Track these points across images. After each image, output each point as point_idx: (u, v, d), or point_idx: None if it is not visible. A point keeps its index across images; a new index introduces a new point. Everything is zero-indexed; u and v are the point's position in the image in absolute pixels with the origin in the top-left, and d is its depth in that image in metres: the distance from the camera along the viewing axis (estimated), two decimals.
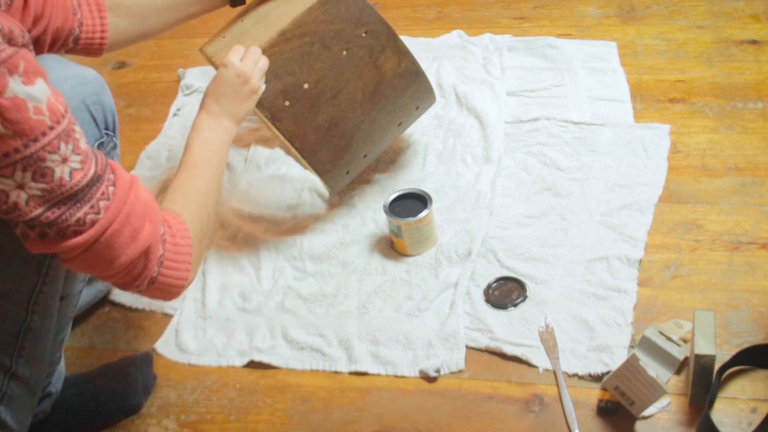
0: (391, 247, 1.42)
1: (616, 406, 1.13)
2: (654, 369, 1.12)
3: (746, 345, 1.15)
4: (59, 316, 1.09)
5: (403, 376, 1.23)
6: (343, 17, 1.29)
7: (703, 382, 1.08)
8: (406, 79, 1.38)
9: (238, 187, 1.61)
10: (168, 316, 1.39)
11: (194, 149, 1.09)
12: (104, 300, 1.43)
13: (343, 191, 1.55)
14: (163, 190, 1.62)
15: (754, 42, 1.77)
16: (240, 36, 1.31)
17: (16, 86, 0.77)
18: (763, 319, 1.21)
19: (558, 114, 1.65)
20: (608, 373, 1.15)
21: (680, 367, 1.16)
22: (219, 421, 1.21)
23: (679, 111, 1.62)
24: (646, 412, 1.10)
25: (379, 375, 1.24)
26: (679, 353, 1.15)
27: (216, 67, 1.27)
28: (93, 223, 0.84)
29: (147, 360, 1.29)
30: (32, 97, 0.78)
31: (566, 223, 1.41)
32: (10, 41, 0.78)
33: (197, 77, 1.94)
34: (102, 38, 1.20)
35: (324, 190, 1.56)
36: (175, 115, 1.86)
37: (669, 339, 1.15)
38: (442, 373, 1.21)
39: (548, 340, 1.23)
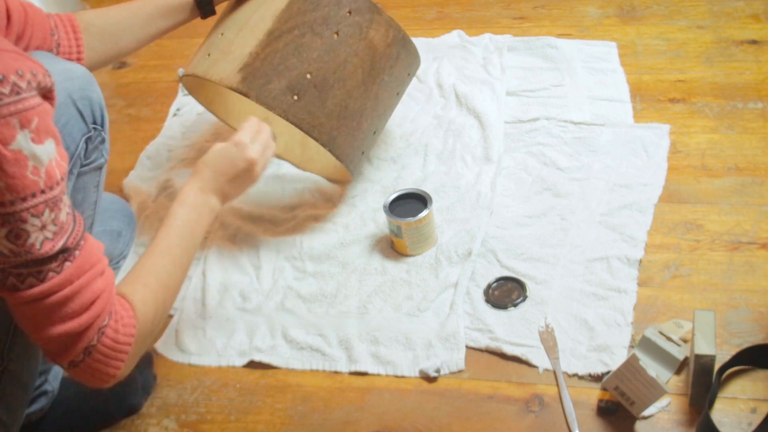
0: (391, 247, 1.42)
1: (616, 406, 1.13)
2: (654, 369, 1.12)
3: (746, 345, 1.15)
4: None
5: (403, 376, 1.23)
6: (324, 2, 1.32)
7: (703, 382, 1.08)
8: (396, 47, 1.41)
9: None
10: (168, 317, 1.39)
11: (173, 230, 1.06)
12: None
13: (343, 191, 1.55)
14: (162, 190, 1.62)
15: (754, 42, 1.77)
16: (227, 48, 1.32)
17: (23, 141, 0.77)
18: (763, 319, 1.21)
19: (558, 114, 1.65)
20: (608, 373, 1.15)
21: (680, 367, 1.16)
22: (219, 421, 1.21)
23: (679, 111, 1.62)
24: (646, 412, 1.10)
25: (379, 375, 1.24)
26: (679, 353, 1.15)
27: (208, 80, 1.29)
28: (31, 286, 0.83)
29: (147, 360, 1.29)
30: (35, 157, 0.78)
31: (566, 223, 1.41)
32: (39, 89, 0.80)
33: None
34: (78, 60, 1.21)
35: (325, 189, 1.56)
36: (175, 115, 1.86)
37: (669, 339, 1.15)
38: (442, 373, 1.21)
39: (548, 340, 1.23)
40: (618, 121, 1.61)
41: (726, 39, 1.79)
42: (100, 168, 1.12)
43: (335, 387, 1.23)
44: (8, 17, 1.10)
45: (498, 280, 1.33)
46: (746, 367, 1.15)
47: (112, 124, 1.88)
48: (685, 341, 1.17)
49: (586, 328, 1.23)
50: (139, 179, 1.67)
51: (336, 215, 1.51)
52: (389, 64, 1.41)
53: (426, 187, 1.50)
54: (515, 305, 1.29)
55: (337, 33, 1.33)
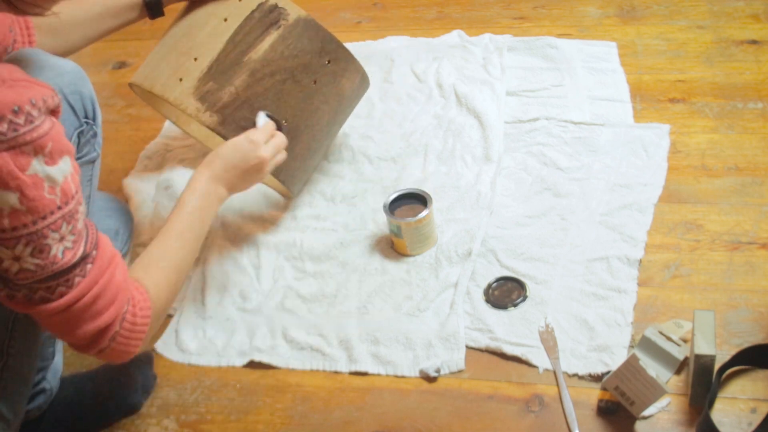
0: (391, 247, 1.42)
1: (616, 406, 1.13)
2: (654, 369, 1.12)
3: (746, 345, 1.15)
4: None
5: (403, 376, 1.23)
6: (307, 50, 1.34)
7: (703, 382, 1.08)
8: (360, 90, 1.48)
9: None
10: (168, 317, 1.39)
11: (183, 216, 1.11)
12: None
13: (343, 191, 1.55)
14: (162, 190, 1.62)
15: (754, 42, 1.77)
16: (179, 68, 1.30)
17: (38, 166, 0.80)
18: (763, 319, 1.21)
19: (558, 114, 1.65)
20: (608, 373, 1.15)
21: (680, 367, 1.16)
22: (219, 421, 1.21)
23: (679, 111, 1.62)
24: (646, 412, 1.10)
25: (379, 375, 1.24)
26: (679, 353, 1.15)
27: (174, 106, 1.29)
28: (62, 295, 0.87)
29: (147, 360, 1.29)
30: (50, 178, 0.82)
31: (566, 223, 1.41)
32: (48, 110, 0.83)
33: None
34: None
35: (325, 190, 1.56)
36: None
37: (669, 339, 1.15)
38: (442, 373, 1.21)
39: (548, 340, 1.23)
40: (618, 121, 1.61)
41: (726, 39, 1.79)
42: (92, 162, 1.14)
43: (335, 387, 1.23)
44: None
45: (498, 280, 1.33)
46: (746, 367, 1.15)
47: (112, 124, 1.90)
48: (685, 341, 1.17)
49: (586, 328, 1.23)
50: (139, 179, 1.67)
51: (336, 215, 1.51)
52: (351, 105, 1.49)
53: (426, 187, 1.49)
54: (515, 305, 1.29)
55: (315, 81, 1.36)
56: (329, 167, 1.61)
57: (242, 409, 1.22)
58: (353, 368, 1.25)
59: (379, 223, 1.47)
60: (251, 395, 1.24)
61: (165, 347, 1.33)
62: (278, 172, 1.37)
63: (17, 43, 1.19)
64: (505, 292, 1.31)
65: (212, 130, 1.29)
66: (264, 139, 1.24)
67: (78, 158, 1.09)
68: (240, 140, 1.21)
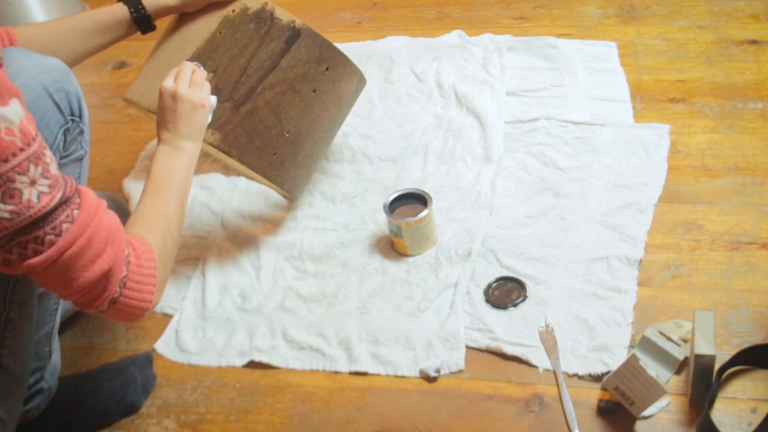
0: (391, 247, 1.42)
1: (616, 406, 1.13)
2: (654, 369, 1.12)
3: (746, 345, 1.15)
4: (41, 308, 1.09)
5: (403, 376, 1.23)
6: (304, 59, 1.34)
7: (703, 382, 1.08)
8: (357, 91, 1.48)
9: (238, 187, 1.61)
10: (168, 316, 1.39)
11: (153, 178, 1.10)
12: None
13: (343, 191, 1.55)
14: None
15: (754, 42, 1.77)
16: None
17: None
18: (763, 319, 1.21)
19: (558, 114, 1.65)
20: (608, 373, 1.15)
21: (680, 367, 1.16)
22: (219, 421, 1.21)
23: (679, 111, 1.62)
24: (646, 412, 1.10)
25: (379, 375, 1.24)
26: (679, 353, 1.15)
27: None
28: (51, 243, 0.85)
29: (147, 360, 1.29)
30: (4, 119, 0.79)
31: (566, 223, 1.41)
32: None
33: None
34: None
35: (325, 190, 1.56)
36: None
37: (669, 339, 1.15)
38: (442, 373, 1.21)
39: (548, 340, 1.23)
40: (618, 121, 1.61)
41: (726, 39, 1.79)
42: (80, 159, 1.13)
43: (335, 387, 1.23)
44: None
45: (498, 280, 1.33)
46: (746, 367, 1.15)
47: (112, 124, 1.90)
48: (685, 341, 1.17)
49: (586, 328, 1.23)
50: (139, 179, 1.67)
51: (336, 215, 1.51)
52: (349, 107, 1.48)
53: (426, 187, 1.50)
54: (515, 305, 1.29)
55: (314, 90, 1.36)
56: (329, 167, 1.61)
57: (242, 409, 1.22)
58: (353, 368, 1.25)
59: (379, 223, 1.47)
60: (251, 395, 1.24)
61: (165, 347, 1.33)
62: (282, 182, 1.38)
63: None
64: (505, 292, 1.31)
65: (216, 148, 1.29)
66: (170, 81, 1.19)
67: (65, 156, 1.09)
68: (158, 102, 1.20)
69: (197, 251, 1.49)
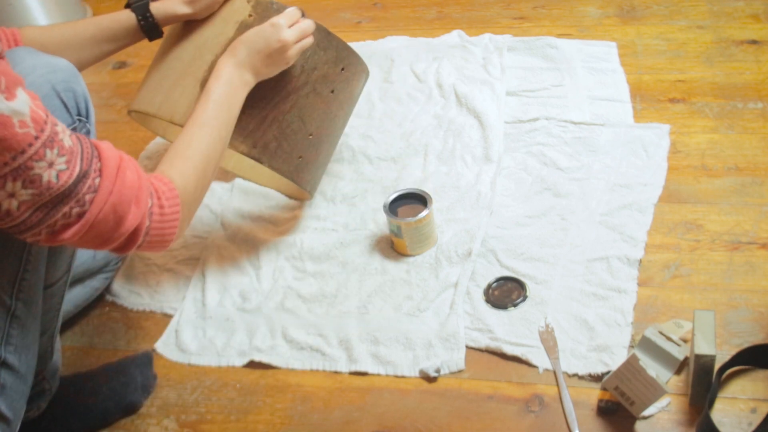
0: (391, 247, 1.42)
1: (616, 406, 1.13)
2: (654, 369, 1.12)
3: (746, 345, 1.15)
4: (46, 307, 1.09)
5: (403, 376, 1.23)
6: (323, 60, 1.34)
7: (703, 382, 1.08)
8: (364, 86, 1.50)
9: (237, 187, 1.61)
10: (168, 316, 1.39)
11: (210, 104, 1.12)
12: (104, 300, 1.43)
13: (343, 191, 1.55)
14: None
15: (754, 42, 1.77)
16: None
17: (1, 104, 0.78)
18: (763, 319, 1.21)
19: (558, 114, 1.65)
20: (608, 373, 1.15)
21: (680, 367, 1.16)
22: (219, 421, 1.21)
23: (679, 111, 1.62)
24: (646, 412, 1.10)
25: (379, 375, 1.24)
26: (679, 353, 1.15)
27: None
28: (80, 215, 0.87)
29: (147, 360, 1.29)
30: (16, 112, 0.80)
31: (566, 223, 1.41)
32: None
33: None
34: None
35: (325, 190, 1.56)
36: None
37: (669, 339, 1.15)
38: (442, 373, 1.21)
39: (548, 340, 1.23)
40: (618, 121, 1.61)
41: (726, 39, 1.79)
42: None
43: (335, 387, 1.23)
44: None
45: (498, 280, 1.33)
46: (746, 367, 1.15)
47: (112, 124, 1.90)
48: (685, 341, 1.17)
49: (586, 328, 1.23)
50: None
51: (336, 215, 1.51)
52: (355, 103, 1.50)
53: (426, 187, 1.50)
54: (515, 305, 1.29)
55: (332, 90, 1.37)
56: (329, 167, 1.61)
57: (242, 409, 1.22)
58: (353, 368, 1.25)
59: (379, 223, 1.47)
60: (251, 395, 1.24)
61: (165, 347, 1.33)
62: (306, 184, 1.39)
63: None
64: (505, 292, 1.31)
65: (247, 156, 1.29)
66: (287, 23, 1.23)
67: None
68: (263, 26, 1.22)
69: (197, 251, 1.49)
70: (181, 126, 1.23)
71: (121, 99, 1.97)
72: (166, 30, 1.33)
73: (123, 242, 0.94)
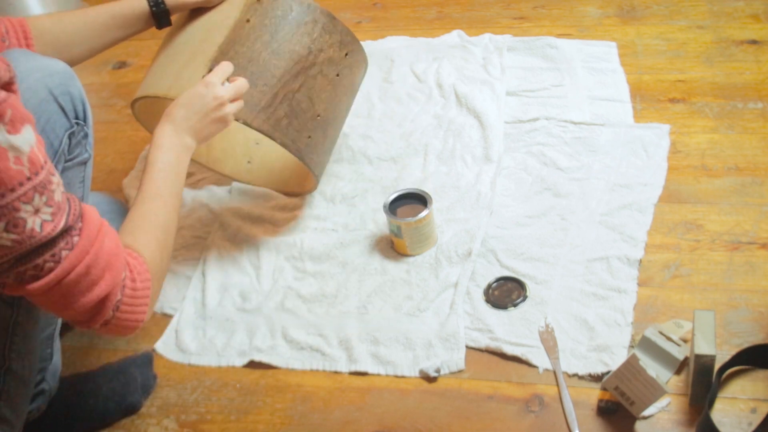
0: (391, 247, 1.42)
1: (616, 406, 1.13)
2: (654, 369, 1.12)
3: (746, 345, 1.15)
4: (44, 310, 1.09)
5: (403, 376, 1.23)
6: (328, 43, 1.36)
7: (703, 382, 1.08)
8: (363, 78, 1.51)
9: (237, 188, 1.61)
10: (168, 317, 1.39)
11: (157, 174, 1.09)
12: None
13: (342, 191, 1.55)
14: None
15: (754, 42, 1.77)
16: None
17: (0, 136, 0.77)
18: (763, 319, 1.21)
19: (558, 114, 1.65)
20: (608, 373, 1.15)
21: (680, 367, 1.16)
22: (219, 421, 1.21)
23: (679, 111, 1.62)
24: (646, 412, 1.10)
25: (379, 375, 1.24)
26: (679, 353, 1.15)
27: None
28: (50, 270, 0.85)
29: (147, 360, 1.29)
30: (14, 147, 0.79)
31: (566, 223, 1.41)
32: (1, 83, 0.79)
33: None
34: None
35: (325, 190, 1.56)
36: None
37: (669, 339, 1.15)
38: (442, 373, 1.21)
39: (548, 340, 1.23)
40: (618, 121, 1.61)
41: (726, 39, 1.79)
42: (84, 163, 1.12)
43: (335, 387, 1.23)
44: None
45: (498, 280, 1.33)
46: (746, 367, 1.15)
47: (112, 124, 1.90)
48: (685, 341, 1.17)
49: (586, 328, 1.23)
50: (139, 179, 1.67)
51: (336, 215, 1.51)
52: (356, 94, 1.50)
53: (426, 187, 1.50)
54: (515, 305, 1.29)
55: (338, 74, 1.38)
56: (329, 167, 1.61)
57: (242, 409, 1.22)
58: (353, 368, 1.25)
59: (379, 223, 1.47)
60: (251, 395, 1.24)
61: (165, 347, 1.33)
62: (315, 166, 1.39)
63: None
64: (505, 292, 1.31)
65: (259, 130, 1.29)
66: (219, 80, 1.20)
67: (69, 160, 1.08)
68: (196, 86, 1.18)
69: (197, 251, 1.49)
70: None
71: (121, 99, 1.97)
72: (173, 19, 1.33)
73: (90, 311, 0.91)
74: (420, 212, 1.36)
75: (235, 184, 1.61)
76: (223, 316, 1.36)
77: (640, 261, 1.32)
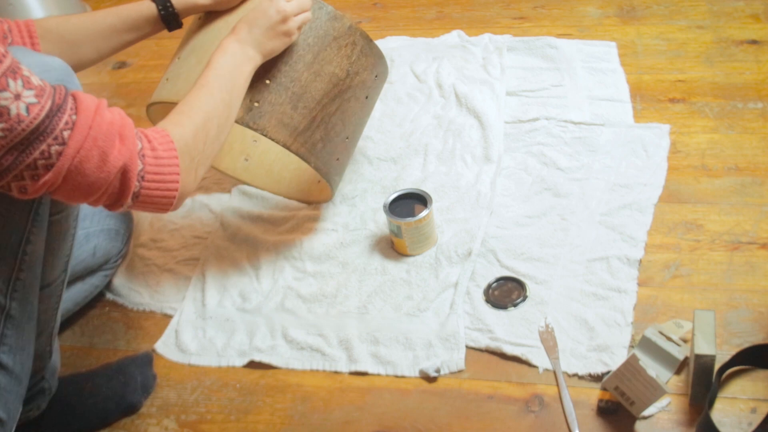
0: (391, 247, 1.42)
1: (616, 406, 1.13)
2: (654, 369, 1.12)
3: (746, 345, 1.15)
4: (43, 307, 1.09)
5: (403, 376, 1.23)
6: (364, 66, 1.36)
7: (703, 382, 1.08)
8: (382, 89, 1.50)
9: (237, 188, 1.61)
10: (168, 317, 1.39)
11: (210, 70, 1.12)
12: (104, 300, 1.43)
13: (342, 191, 1.55)
14: None
15: (754, 42, 1.77)
16: (274, 100, 1.28)
17: None
18: (763, 319, 1.21)
19: (558, 114, 1.65)
20: (608, 373, 1.15)
21: (680, 367, 1.16)
22: (219, 421, 1.21)
23: (679, 111, 1.62)
24: (646, 412, 1.10)
25: (379, 375, 1.24)
26: (679, 353, 1.15)
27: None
28: (59, 154, 0.86)
29: (147, 360, 1.29)
30: None
31: (566, 223, 1.41)
32: None
33: None
34: None
35: None
36: None
37: (669, 339, 1.15)
38: (442, 373, 1.21)
39: (548, 340, 1.23)
40: (618, 121, 1.61)
41: (726, 39, 1.79)
42: None
43: (335, 387, 1.23)
44: None
45: (498, 280, 1.33)
46: (746, 367, 1.15)
47: None
48: (685, 341, 1.17)
49: (586, 328, 1.23)
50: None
51: (336, 215, 1.51)
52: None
53: (426, 187, 1.50)
54: (515, 305, 1.29)
55: (367, 96, 1.39)
56: None
57: (242, 409, 1.22)
58: (353, 368, 1.25)
59: (379, 223, 1.47)
60: (251, 395, 1.24)
61: (165, 347, 1.33)
62: (335, 185, 1.41)
63: None
64: (505, 292, 1.31)
65: (298, 155, 1.29)
66: None
67: None
68: (260, 2, 1.21)
69: (197, 251, 1.49)
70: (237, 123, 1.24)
71: (122, 99, 1.97)
72: (186, 23, 1.32)
73: (115, 188, 0.91)
74: (420, 212, 1.36)
75: (237, 182, 1.61)
76: (223, 316, 1.36)
77: (640, 261, 1.32)
